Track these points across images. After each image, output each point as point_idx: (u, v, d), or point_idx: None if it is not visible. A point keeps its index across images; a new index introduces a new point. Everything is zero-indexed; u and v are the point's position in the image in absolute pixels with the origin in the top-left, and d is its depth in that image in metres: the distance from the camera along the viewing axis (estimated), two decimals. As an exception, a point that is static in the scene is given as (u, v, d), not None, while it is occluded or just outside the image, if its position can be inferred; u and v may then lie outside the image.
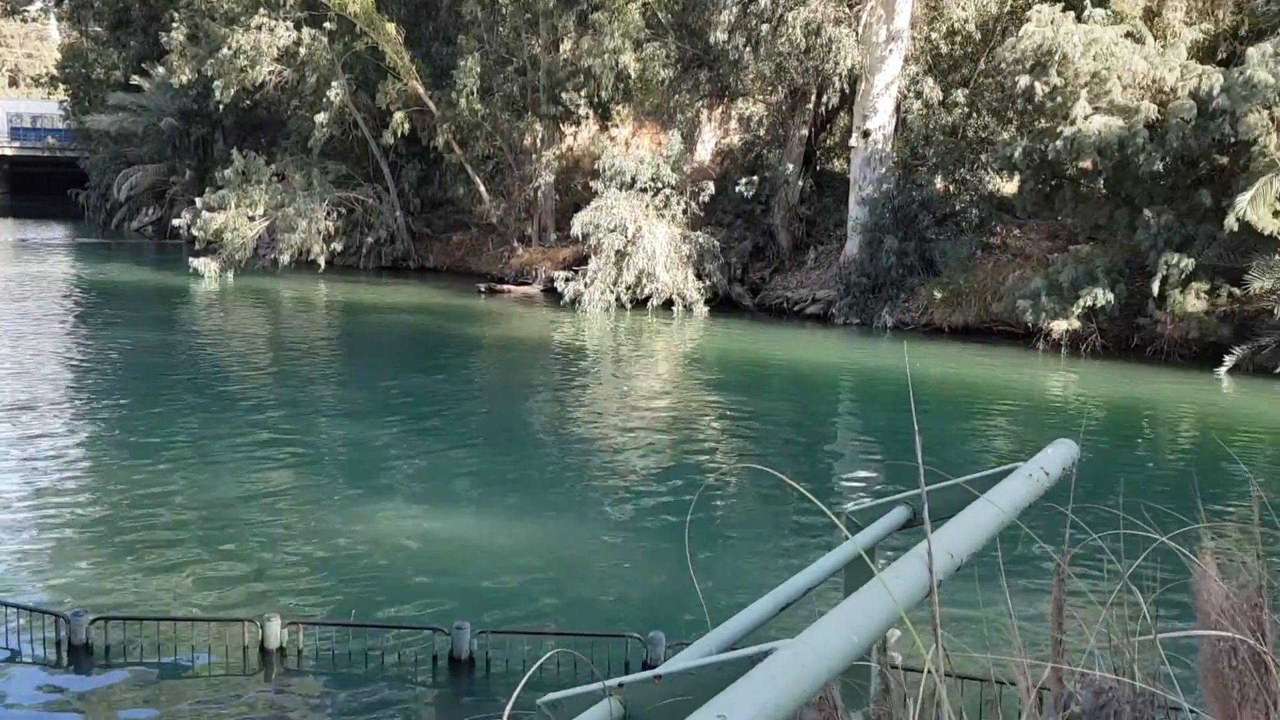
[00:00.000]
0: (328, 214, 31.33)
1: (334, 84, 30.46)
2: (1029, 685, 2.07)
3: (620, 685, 1.84)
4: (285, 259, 30.10)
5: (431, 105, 29.90)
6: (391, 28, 29.18)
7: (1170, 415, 15.85)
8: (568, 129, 30.68)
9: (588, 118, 29.33)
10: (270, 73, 30.76)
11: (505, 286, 28.81)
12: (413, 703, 7.13)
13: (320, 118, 30.44)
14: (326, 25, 29.54)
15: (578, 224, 25.74)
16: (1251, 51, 19.32)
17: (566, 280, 25.93)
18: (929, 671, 2.04)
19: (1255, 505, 2.24)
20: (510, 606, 8.33)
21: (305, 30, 29.98)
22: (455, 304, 26.52)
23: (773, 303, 26.15)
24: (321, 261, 30.44)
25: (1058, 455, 3.45)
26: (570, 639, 7.23)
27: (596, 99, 28.60)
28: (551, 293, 26.68)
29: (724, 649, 2.18)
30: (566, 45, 29.72)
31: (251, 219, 29.83)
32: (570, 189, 30.43)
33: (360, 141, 32.63)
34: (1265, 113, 18.51)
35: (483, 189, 31.41)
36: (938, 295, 22.85)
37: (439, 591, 8.68)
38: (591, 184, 26.70)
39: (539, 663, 5.14)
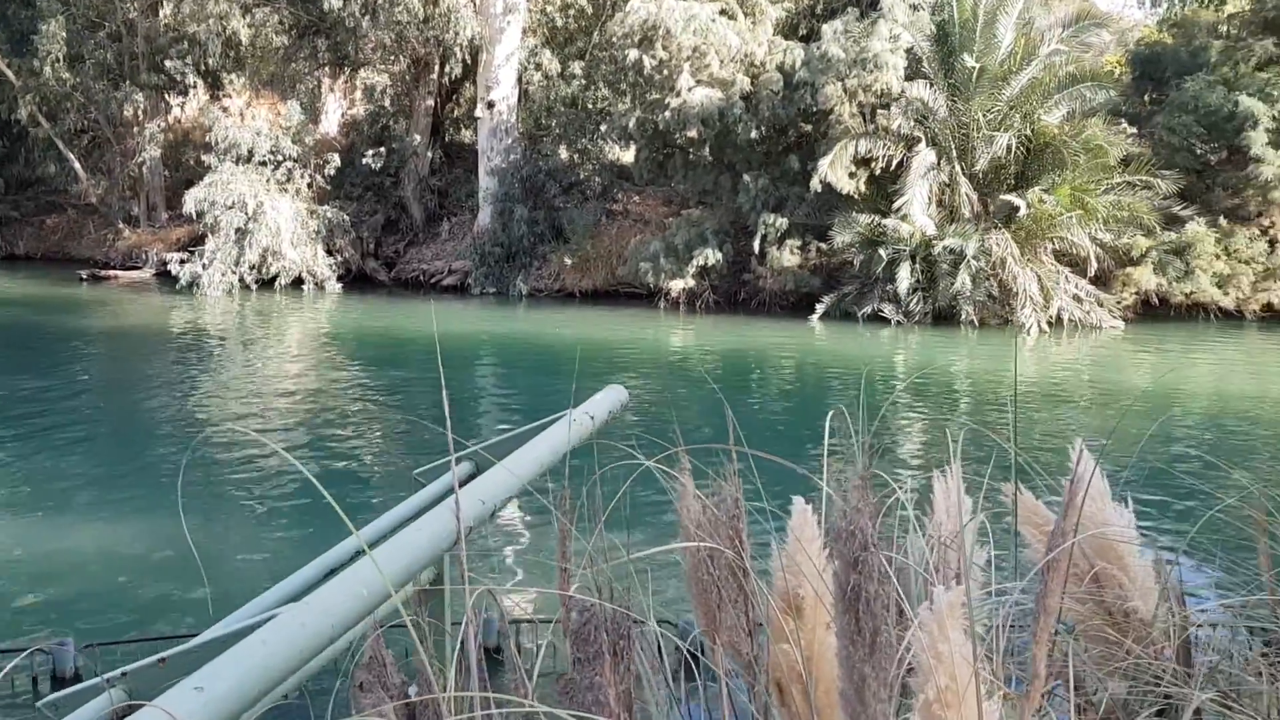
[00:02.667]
0: (-115, 199, 27.23)
1: (-119, 49, 26.42)
2: (563, 617, 2.26)
3: (124, 675, 1.85)
4: None
5: (10, 74, 26.68)
6: (-51, -15, 25.66)
7: (773, 359, 17.48)
8: (174, 99, 28.48)
9: (196, 87, 27.39)
10: None
11: (111, 272, 26.43)
12: (8, 732, 6.52)
13: None
14: None
15: (191, 201, 24.07)
16: (826, 28, 21.53)
17: (182, 262, 24.23)
18: (469, 617, 2.21)
19: (730, 430, 2.58)
20: (128, 613, 7.81)
21: None
22: (53, 294, 23.96)
23: (409, 276, 25.90)
24: (-120, 254, 26.49)
25: (606, 400, 3.76)
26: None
27: (204, 67, 26.77)
28: (166, 276, 24.81)
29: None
30: (167, 9, 27.54)
31: None
32: (181, 164, 28.37)
33: (-78, 116, 28.57)
34: (839, 84, 20.71)
35: (78, 166, 28.54)
36: (568, 261, 23.69)
37: (45, 608, 7.95)
38: (204, 158, 25.04)
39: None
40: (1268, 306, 19.88)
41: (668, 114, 21.78)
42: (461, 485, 3.38)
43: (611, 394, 3.93)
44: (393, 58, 26.61)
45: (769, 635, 2.35)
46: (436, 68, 26.83)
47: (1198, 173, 21.17)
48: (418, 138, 26.68)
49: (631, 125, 22.78)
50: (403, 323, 21.31)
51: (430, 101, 27.32)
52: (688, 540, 2.40)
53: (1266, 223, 20.37)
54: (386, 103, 27.59)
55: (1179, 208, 20.43)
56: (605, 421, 3.63)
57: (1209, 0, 25.56)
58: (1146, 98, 23.48)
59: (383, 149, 26.02)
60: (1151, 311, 20.11)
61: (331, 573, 2.66)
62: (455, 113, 29.48)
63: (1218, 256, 19.77)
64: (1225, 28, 23.15)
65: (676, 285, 21.65)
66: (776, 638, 2.30)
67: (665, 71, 22.38)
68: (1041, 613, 2.28)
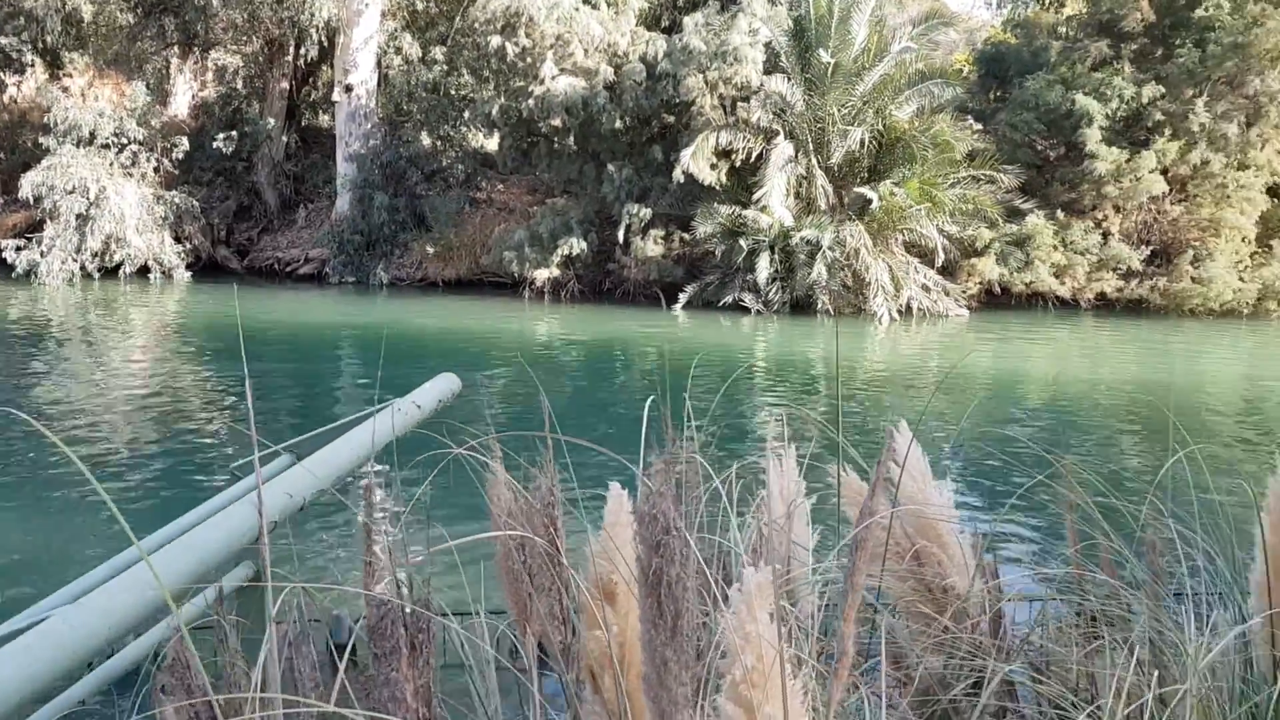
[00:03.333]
0: None
1: None
2: (367, 614, 2.21)
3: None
4: None
5: None
6: None
7: (637, 348, 17.61)
8: (9, 78, 26.86)
9: (33, 65, 25.89)
10: None
11: (-62, 260, 24.82)
12: None
13: None
14: None
15: (27, 185, 22.81)
16: (687, 20, 21.74)
17: (18, 249, 22.92)
18: (274, 614, 2.16)
19: (546, 419, 2.58)
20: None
21: None
22: None
23: (263, 264, 25.12)
24: None
25: (435, 389, 3.72)
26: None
27: (42, 44, 25.32)
28: (1, 265, 23.43)
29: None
30: (-2, -19, 25.93)
31: None
32: (17, 146, 26.77)
33: None
34: (701, 76, 20.94)
35: (-100, 146, 26.66)
36: (430, 250, 23.34)
37: None
38: (42, 140, 23.72)
39: None
40: (1100, 295, 21.04)
41: (531, 102, 21.66)
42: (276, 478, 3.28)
43: (441, 382, 3.88)
44: (245, 38, 25.70)
45: (582, 623, 2.35)
46: (291, 49, 26.05)
47: (1038, 168, 22.23)
48: (272, 121, 25.85)
49: (495, 112, 22.58)
50: (254, 313, 20.65)
51: (285, 84, 26.52)
52: (498, 529, 2.39)
53: (1100, 216, 21.52)
54: (239, 84, 26.64)
55: (1020, 201, 21.42)
56: (434, 410, 3.59)
57: (1049, 2, 26.80)
58: (991, 95, 24.51)
59: (235, 132, 25.12)
60: (994, 300, 21.03)
61: (128, 567, 2.56)
62: (312, 96, 28.67)
63: (1055, 248, 20.81)
64: (1064, 29, 24.31)
65: (541, 274, 21.59)
66: (590, 625, 2.31)
67: (529, 59, 22.24)
68: (850, 590, 2.33)
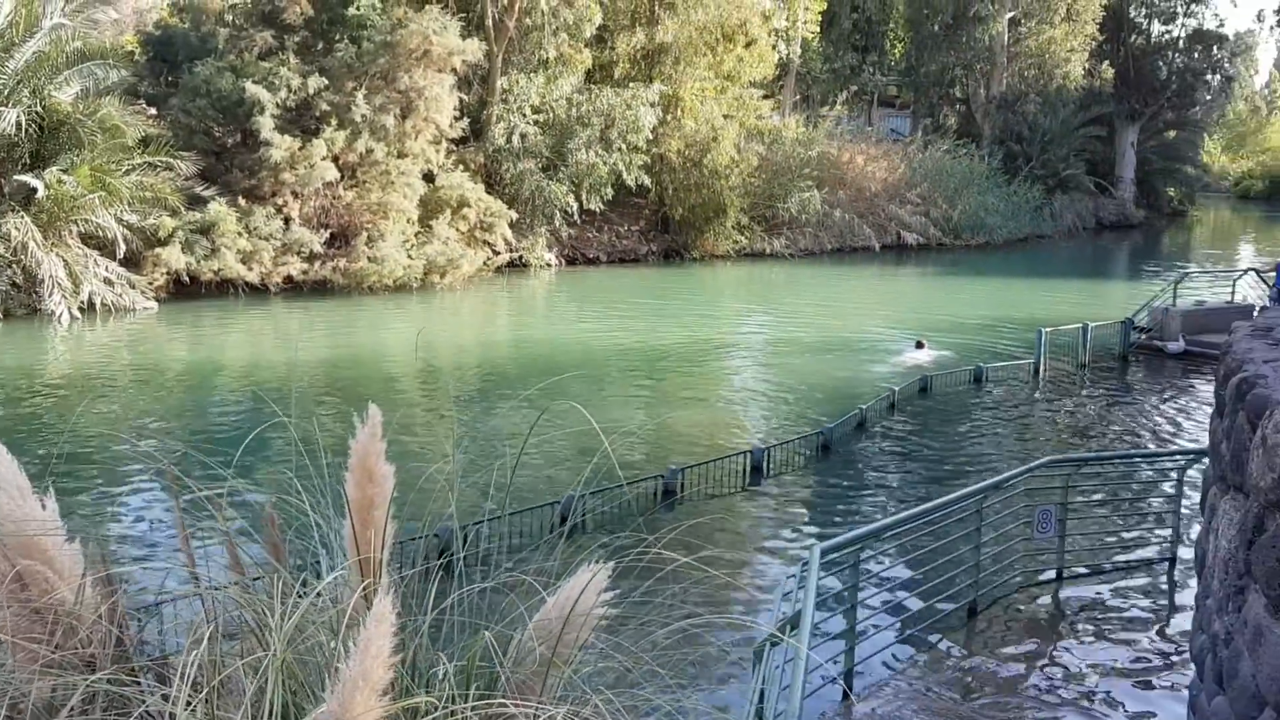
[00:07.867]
0: None
1: None
2: None
3: None
4: None
5: None
6: None
7: None
8: None
9: None
10: None
11: None
12: None
13: None
14: None
15: None
16: None
17: None
18: None
19: None
20: None
21: None
22: None
23: None
24: None
25: None
26: None
27: None
28: None
29: None
30: None
31: None
32: None
33: None
34: None
35: None
36: None
37: None
38: None
39: None
40: (288, 279, 21.97)
41: None
42: None
43: None
44: None
45: None
46: None
47: (217, 154, 22.41)
48: None
49: None
50: None
51: None
52: None
53: (281, 201, 22.42)
54: None
55: (201, 188, 21.42)
56: None
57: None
58: (163, 80, 23.96)
59: None
60: (185, 290, 20.75)
61: None
62: None
63: (240, 234, 21.21)
64: (230, 17, 24.63)
65: None
66: None
67: None
68: None
